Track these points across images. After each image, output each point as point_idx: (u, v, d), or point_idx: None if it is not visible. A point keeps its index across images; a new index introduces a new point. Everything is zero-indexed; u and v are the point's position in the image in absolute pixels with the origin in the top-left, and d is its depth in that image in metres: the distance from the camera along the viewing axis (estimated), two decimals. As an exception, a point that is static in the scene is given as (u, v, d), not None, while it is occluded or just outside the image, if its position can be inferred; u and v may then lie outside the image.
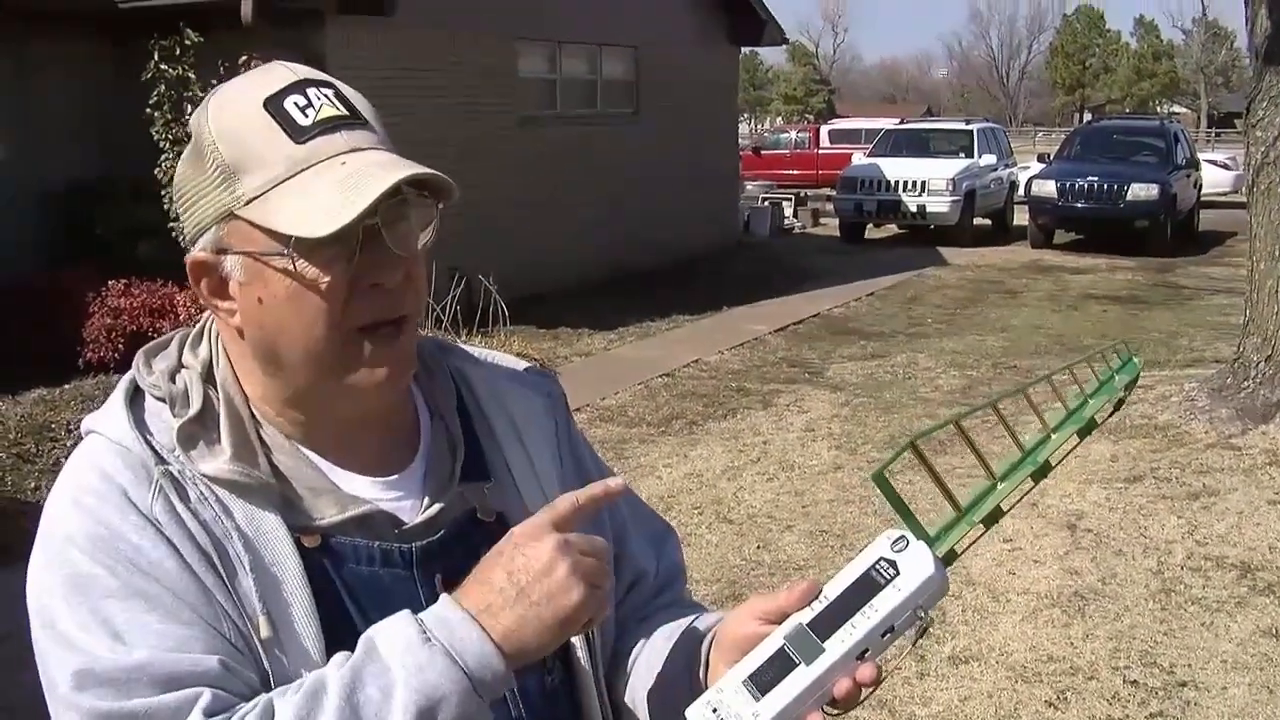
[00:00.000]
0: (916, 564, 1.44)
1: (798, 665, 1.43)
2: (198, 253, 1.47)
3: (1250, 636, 6.07)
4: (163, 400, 1.50)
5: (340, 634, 1.43)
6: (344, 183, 1.40)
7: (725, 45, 22.08)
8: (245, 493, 1.45)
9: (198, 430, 1.47)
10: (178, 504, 1.41)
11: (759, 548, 7.30)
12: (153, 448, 1.45)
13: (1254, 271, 9.93)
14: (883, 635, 1.43)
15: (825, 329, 14.78)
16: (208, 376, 1.52)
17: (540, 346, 12.74)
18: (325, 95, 1.46)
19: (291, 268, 1.42)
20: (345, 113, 1.46)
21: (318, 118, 1.44)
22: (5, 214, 12.17)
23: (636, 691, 1.69)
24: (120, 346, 10.77)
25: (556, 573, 1.37)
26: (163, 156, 11.53)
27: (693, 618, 1.71)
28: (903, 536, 1.47)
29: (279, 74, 1.48)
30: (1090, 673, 5.69)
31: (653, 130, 18.91)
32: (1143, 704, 5.41)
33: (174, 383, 1.51)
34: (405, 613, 1.37)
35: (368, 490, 1.54)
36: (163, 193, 11.50)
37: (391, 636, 1.35)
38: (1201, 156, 29.74)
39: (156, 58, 11.39)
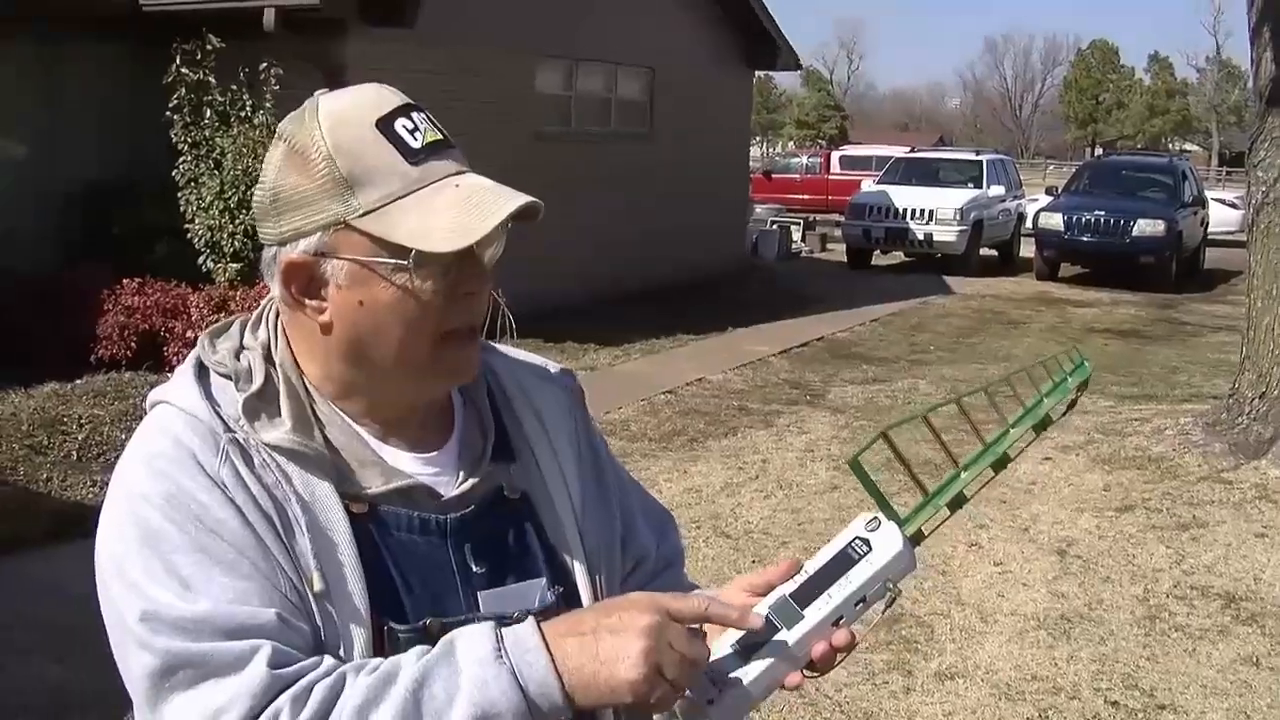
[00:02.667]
0: (887, 542, 1.63)
1: (779, 630, 1.58)
2: (296, 255, 1.60)
3: (1231, 664, 6.21)
4: (227, 377, 1.64)
5: (383, 591, 1.59)
6: (464, 204, 1.56)
7: (740, 68, 22.24)
8: (302, 461, 1.59)
9: (260, 404, 1.61)
10: (242, 468, 1.55)
11: (754, 562, 7.44)
12: (220, 417, 1.59)
13: (1251, 309, 10.07)
14: (856, 604, 1.61)
15: (828, 352, 14.93)
16: (267, 357, 1.66)
17: (547, 359, 12.85)
18: (425, 120, 1.62)
19: (406, 277, 1.56)
20: (443, 137, 1.62)
21: (425, 141, 1.60)
22: (24, 212, 12.31)
23: None
24: (132, 344, 10.95)
25: (631, 645, 1.47)
26: (180, 159, 11.69)
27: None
28: (876, 518, 1.65)
29: (385, 97, 1.62)
30: (1073, 693, 5.83)
31: (665, 150, 19.06)
32: (1122, 724, 5.56)
33: (238, 361, 1.65)
34: (490, 624, 1.51)
35: (409, 465, 1.68)
36: (179, 195, 11.68)
37: (470, 644, 1.48)
38: (1210, 195, 29.91)
39: (178, 62, 11.55)
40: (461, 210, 1.55)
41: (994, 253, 25.99)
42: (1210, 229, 27.25)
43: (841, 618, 1.60)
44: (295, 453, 1.59)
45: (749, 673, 1.58)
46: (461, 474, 1.71)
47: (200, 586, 1.48)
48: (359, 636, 1.55)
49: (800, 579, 1.62)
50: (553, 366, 1.95)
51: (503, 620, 1.59)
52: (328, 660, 1.50)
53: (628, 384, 12.37)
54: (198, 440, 1.57)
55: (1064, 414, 1.87)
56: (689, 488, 8.87)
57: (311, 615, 1.53)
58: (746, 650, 1.59)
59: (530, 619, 1.53)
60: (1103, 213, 22.78)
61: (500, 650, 1.47)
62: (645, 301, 16.74)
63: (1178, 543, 7.89)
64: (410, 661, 1.48)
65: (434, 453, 1.72)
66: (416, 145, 1.59)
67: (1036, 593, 6.97)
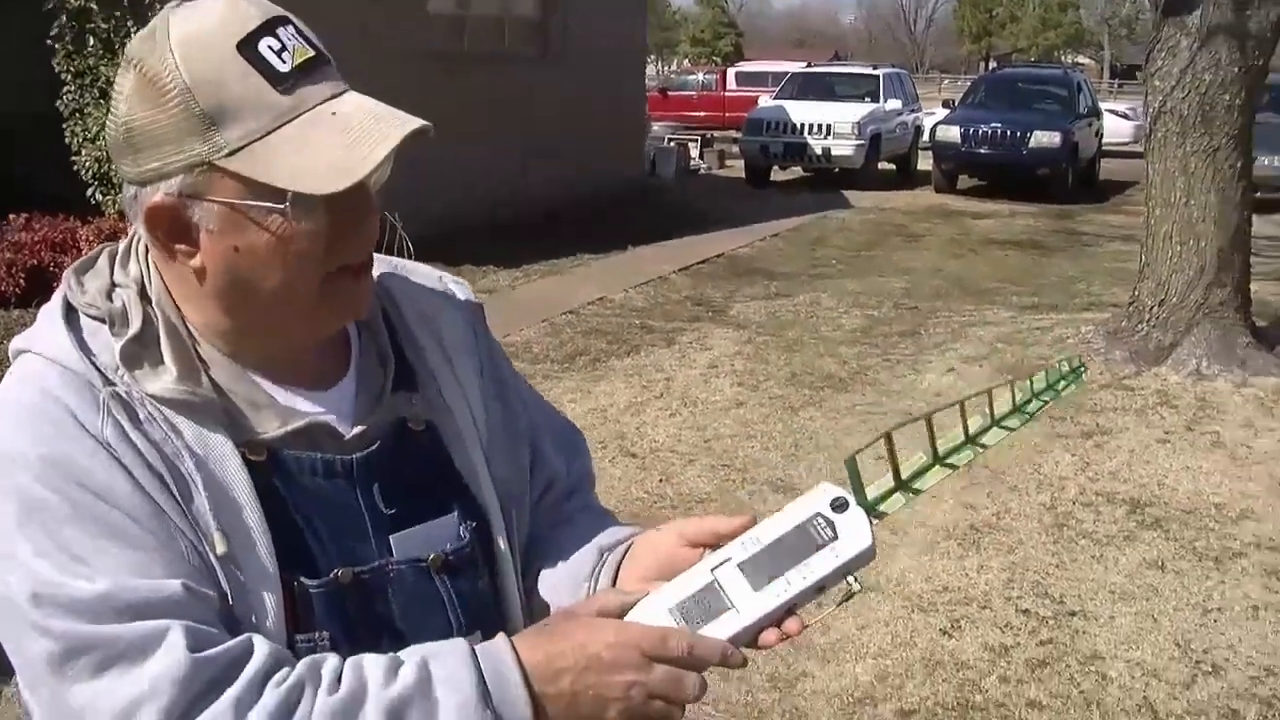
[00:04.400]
0: (855, 532, 1.49)
1: (730, 609, 1.46)
2: (159, 198, 1.42)
3: (1137, 569, 6.22)
4: (100, 320, 1.47)
5: (290, 545, 1.45)
6: (344, 134, 1.40)
7: (634, -14, 22.00)
8: (192, 411, 1.43)
9: (139, 349, 1.44)
10: (127, 425, 1.39)
11: (662, 481, 7.37)
12: (96, 368, 1.42)
13: (1149, 217, 10.10)
14: (813, 593, 1.48)
15: (729, 269, 14.85)
16: (142, 295, 1.49)
17: (444, 274, 12.68)
18: (293, 35, 1.43)
19: (285, 221, 1.40)
20: (315, 54, 1.44)
21: (295, 63, 1.41)
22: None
23: (546, 592, 1.73)
24: (21, 281, 10.62)
25: (613, 706, 1.40)
26: (64, 89, 11.36)
27: (606, 528, 1.75)
28: (842, 497, 1.51)
29: (245, 11, 1.42)
30: (984, 602, 5.81)
31: (560, 70, 18.79)
32: (1033, 632, 5.54)
33: (111, 301, 1.48)
34: (467, 653, 1.39)
35: (306, 404, 1.54)
36: (64, 126, 11.35)
37: (450, 680, 1.37)
38: (1103, 106, 30.07)
39: (58, -12, 11.21)
40: (342, 142, 1.39)
41: (892, 166, 26.01)
42: (1104, 140, 27.40)
43: (795, 605, 1.48)
44: (183, 403, 1.43)
45: None
46: (362, 409, 1.58)
47: (94, 561, 1.32)
48: (270, 599, 1.41)
49: (752, 547, 1.49)
50: (451, 283, 1.80)
51: (417, 563, 1.50)
52: (259, 646, 1.35)
53: (529, 305, 12.23)
54: (73, 395, 1.39)
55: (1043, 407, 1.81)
56: (593, 408, 8.76)
57: (218, 580, 1.39)
58: (690, 619, 1.46)
59: (510, 651, 1.41)
60: (999, 125, 22.84)
61: (486, 696, 1.36)
62: (544, 222, 16.55)
63: (1082, 450, 7.91)
64: (377, 684, 1.35)
65: (331, 389, 1.58)
66: (285, 69, 1.40)
67: (945, 505, 6.94)
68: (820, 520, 1.49)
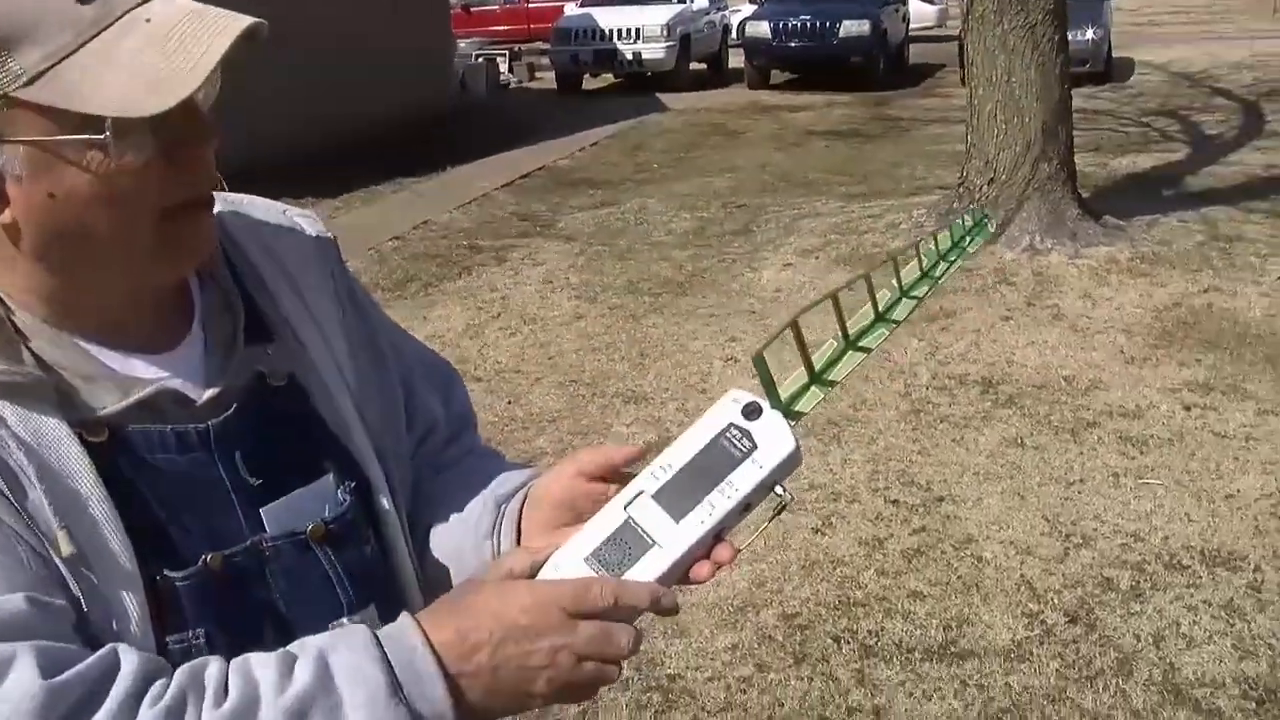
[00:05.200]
0: (775, 438, 1.33)
1: (652, 546, 1.30)
2: None
3: (998, 448, 6.20)
4: None
5: (148, 535, 1.23)
6: (163, 45, 1.16)
7: (428, -102, 21.48)
8: (15, 394, 1.20)
9: None
10: None
11: (510, 403, 7.18)
12: None
13: (973, 97, 10.09)
14: (740, 513, 1.32)
15: (552, 181, 14.62)
16: None
17: (289, 206, 12.29)
18: None
19: (106, 155, 1.17)
20: None
21: None
22: None
23: (444, 555, 1.54)
24: None
25: (539, 676, 1.23)
26: None
27: (496, 474, 1.56)
28: (754, 403, 1.35)
29: None
30: (852, 497, 5.75)
31: (360, -10, 18.33)
32: (905, 521, 5.49)
33: None
34: (369, 641, 1.19)
35: (147, 371, 1.31)
36: None
37: (354, 673, 1.16)
38: (905, -9, 30.25)
39: None
40: (161, 53, 1.15)
41: (704, 66, 25.85)
42: (910, 25, 27.54)
43: (723, 529, 1.31)
44: (4, 385, 1.20)
45: None
46: (212, 369, 1.36)
47: None
48: (131, 600, 1.19)
49: (663, 475, 1.32)
50: (298, 216, 1.58)
51: (294, 536, 1.30)
52: (127, 659, 1.13)
53: (352, 235, 11.87)
54: None
55: (950, 269, 1.65)
56: (431, 335, 8.51)
57: (67, 586, 1.16)
58: (610, 567, 1.29)
59: (417, 632, 1.20)
60: (808, 17, 22.79)
61: (396, 686, 1.16)
62: (358, 149, 16.11)
63: (929, 334, 7.88)
64: (270, 687, 1.13)
65: (174, 350, 1.35)
66: None
67: (799, 400, 6.84)
68: (734, 432, 1.33)
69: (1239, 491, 5.64)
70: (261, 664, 1.16)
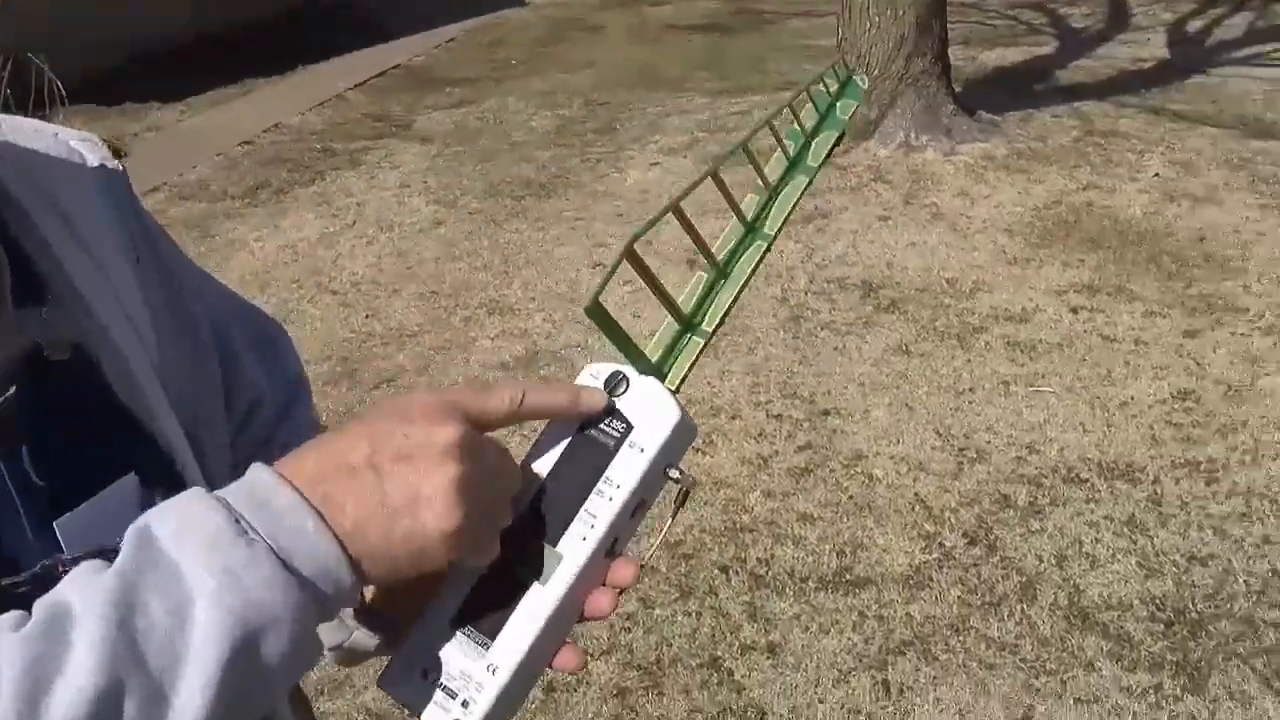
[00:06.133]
0: (654, 410, 1.01)
1: (530, 586, 0.97)
2: None
3: (883, 356, 5.94)
4: None
5: None
6: None
7: None
8: None
9: None
10: None
11: (368, 317, 6.79)
12: None
13: (844, -11, 9.76)
14: (632, 515, 0.99)
15: (407, 80, 14.06)
16: None
17: (106, 125, 11.67)
18: None
19: None
20: None
21: None
22: None
23: None
24: None
25: (435, 476, 0.88)
26: None
27: None
28: (617, 372, 1.03)
29: None
30: (733, 412, 5.45)
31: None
32: (790, 438, 5.21)
33: None
34: (198, 490, 0.84)
35: None
36: None
37: (183, 525, 0.82)
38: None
39: None
40: None
41: (560, -39, 25.29)
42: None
43: (616, 541, 1.00)
44: None
45: (501, 663, 0.97)
46: None
47: None
48: None
49: (524, 494, 1.00)
50: (76, 142, 1.19)
51: (103, 553, 0.90)
52: None
53: (199, 140, 11.32)
54: None
55: (833, 149, 1.28)
56: (283, 244, 8.07)
57: None
58: (484, 627, 0.98)
59: (259, 465, 0.86)
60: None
61: (239, 520, 0.82)
62: (201, 49, 15.41)
63: (804, 236, 7.59)
64: (78, 587, 0.79)
65: None
66: None
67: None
68: (599, 415, 1.02)
69: (1132, 399, 5.43)
70: (70, 577, 0.82)
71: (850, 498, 4.77)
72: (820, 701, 3.80)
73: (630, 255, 1.02)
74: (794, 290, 6.76)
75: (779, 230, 1.18)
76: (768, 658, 3.97)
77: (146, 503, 1.01)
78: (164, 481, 1.06)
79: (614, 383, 1.02)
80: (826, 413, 5.40)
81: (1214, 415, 5.27)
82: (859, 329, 6.25)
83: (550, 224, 8.21)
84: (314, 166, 10.14)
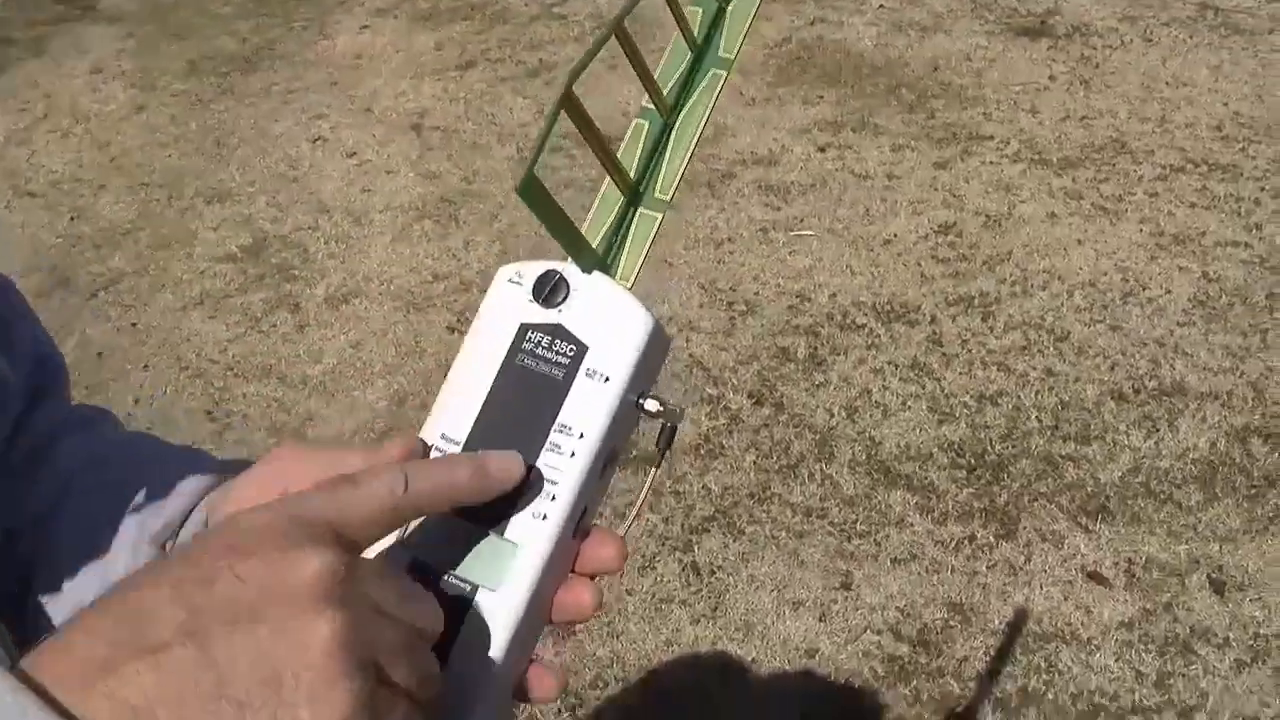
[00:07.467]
0: (612, 319, 0.74)
1: (474, 598, 0.68)
2: None
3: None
4: None
5: None
6: None
7: None
8: None
9: None
10: None
11: (74, 219, 6.22)
12: None
13: None
14: (602, 472, 0.72)
15: (84, -43, 13.18)
16: None
17: None
18: None
19: None
20: None
21: None
22: None
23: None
24: None
25: (304, 636, 0.54)
26: None
27: (135, 485, 0.87)
28: (552, 273, 0.77)
29: None
30: (483, 285, 5.12)
31: None
32: (552, 309, 4.93)
33: None
34: None
35: None
36: None
37: None
38: None
39: None
40: None
41: None
42: None
43: (585, 512, 0.72)
44: None
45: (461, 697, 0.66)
46: None
47: None
48: None
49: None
50: None
51: None
52: None
53: None
54: None
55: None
56: (-33, 144, 7.40)
57: None
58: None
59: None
60: None
61: None
62: None
63: (533, 91, 7.23)
64: None
65: None
66: None
67: (405, 179, 6.15)
68: (535, 337, 0.73)
69: (895, 236, 5.27)
70: None
71: (625, 367, 4.52)
72: (629, 594, 3.56)
73: (568, 101, 0.71)
74: (527, 148, 6.41)
75: (738, 51, 0.87)
76: (562, 549, 3.72)
77: None
78: None
79: (549, 288, 0.75)
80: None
81: (978, 247, 5.14)
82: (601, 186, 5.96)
83: (261, 100, 7.68)
84: (-8, 57, 9.36)
